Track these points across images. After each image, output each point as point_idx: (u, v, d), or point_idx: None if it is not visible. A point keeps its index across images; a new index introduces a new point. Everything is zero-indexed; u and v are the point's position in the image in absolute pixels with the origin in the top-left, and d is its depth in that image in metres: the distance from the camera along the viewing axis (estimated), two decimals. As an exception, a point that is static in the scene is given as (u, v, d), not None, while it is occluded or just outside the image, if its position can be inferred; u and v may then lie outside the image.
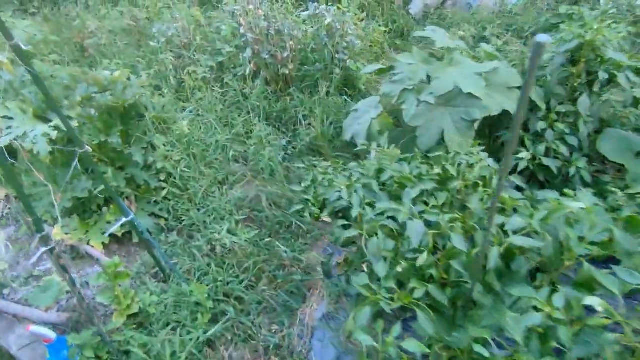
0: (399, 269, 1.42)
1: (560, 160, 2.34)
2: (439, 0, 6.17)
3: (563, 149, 2.27)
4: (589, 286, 1.17)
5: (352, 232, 1.52)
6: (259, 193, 3.23)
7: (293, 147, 3.69)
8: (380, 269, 1.39)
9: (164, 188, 3.08)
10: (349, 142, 3.29)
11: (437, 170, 1.60)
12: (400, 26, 5.71)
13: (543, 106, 2.27)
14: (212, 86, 3.94)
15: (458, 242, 1.30)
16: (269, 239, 2.94)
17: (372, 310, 1.33)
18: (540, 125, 2.28)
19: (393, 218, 1.53)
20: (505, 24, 4.94)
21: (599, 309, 1.02)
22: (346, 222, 1.67)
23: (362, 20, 4.62)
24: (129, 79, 3.23)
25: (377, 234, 1.49)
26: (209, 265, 2.68)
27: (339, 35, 3.68)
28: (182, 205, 3.08)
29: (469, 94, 2.13)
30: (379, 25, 5.17)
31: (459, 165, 1.60)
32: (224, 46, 4.07)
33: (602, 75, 2.12)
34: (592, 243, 1.27)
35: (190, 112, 3.67)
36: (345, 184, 1.72)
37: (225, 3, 4.60)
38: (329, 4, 4.21)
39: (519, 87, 2.26)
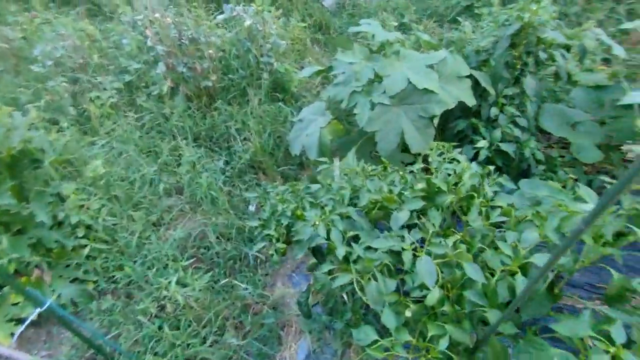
0: (407, 313, 1.20)
1: (514, 143, 2.32)
2: (351, -9, 6.09)
3: (516, 131, 2.25)
4: (621, 298, 1.06)
5: (343, 279, 1.26)
6: (203, 228, 2.82)
7: (231, 168, 3.30)
8: (389, 319, 1.16)
9: (84, 246, 2.52)
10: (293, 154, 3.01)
11: (421, 185, 1.41)
12: (317, 20, 5.52)
13: (493, 92, 2.22)
14: (124, 111, 3.37)
15: (474, 273, 1.12)
16: (225, 279, 2.57)
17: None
18: (493, 111, 2.22)
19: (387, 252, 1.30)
20: (420, 8, 5.00)
21: (655, 330, 0.89)
22: (331, 265, 1.40)
23: (279, 18, 4.33)
24: (11, 117, 2.59)
25: (373, 276, 1.25)
26: (160, 328, 2.24)
27: (261, 37, 3.35)
28: (113, 261, 2.56)
29: (424, 89, 1.98)
30: (297, 22, 4.92)
31: (442, 174, 1.42)
32: (130, 63, 3.51)
33: (543, 55, 2.12)
34: (605, 243, 1.17)
35: (102, 146, 3.08)
36: (319, 218, 1.44)
37: (122, 12, 3.99)
38: (243, 3, 3.86)
39: (468, 76, 2.19)
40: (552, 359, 0.94)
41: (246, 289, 2.51)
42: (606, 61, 3.00)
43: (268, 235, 1.88)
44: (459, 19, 4.08)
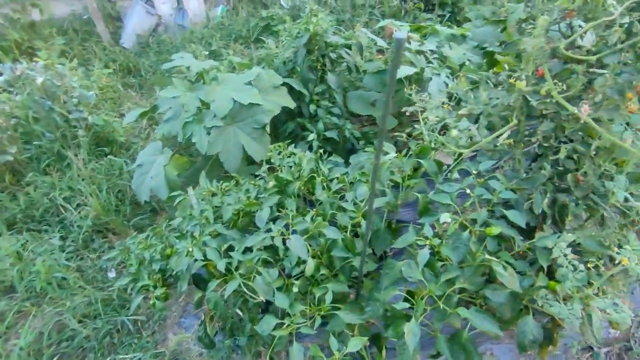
0: (295, 289, 1.36)
1: (336, 130, 2.77)
2: (150, 28, 5.98)
3: (334, 120, 2.69)
4: (427, 209, 1.46)
5: (232, 286, 1.33)
6: (58, 318, 2.41)
7: (72, 241, 2.89)
8: (282, 301, 1.30)
9: None
10: (144, 202, 2.84)
11: (272, 182, 1.59)
12: (123, 64, 5.24)
13: (307, 92, 2.60)
14: None
15: (333, 233, 1.35)
16: (106, 360, 2.27)
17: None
18: (312, 108, 2.61)
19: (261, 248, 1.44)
20: (225, 34, 5.28)
21: (448, 219, 1.28)
22: (217, 281, 1.46)
23: (75, 68, 3.95)
24: None
25: (257, 272, 1.37)
26: None
27: (63, 92, 3.03)
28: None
29: (250, 104, 2.19)
30: (100, 69, 4.57)
31: (290, 168, 1.64)
32: None
33: (333, 55, 2.60)
34: (409, 177, 1.58)
35: None
36: (192, 244, 1.48)
37: None
38: (19, 62, 3.38)
39: (282, 84, 2.50)
40: (400, 268, 1.25)
41: (135, 357, 2.27)
42: (380, 51, 3.83)
43: (143, 286, 1.79)
44: (262, 37, 4.51)
